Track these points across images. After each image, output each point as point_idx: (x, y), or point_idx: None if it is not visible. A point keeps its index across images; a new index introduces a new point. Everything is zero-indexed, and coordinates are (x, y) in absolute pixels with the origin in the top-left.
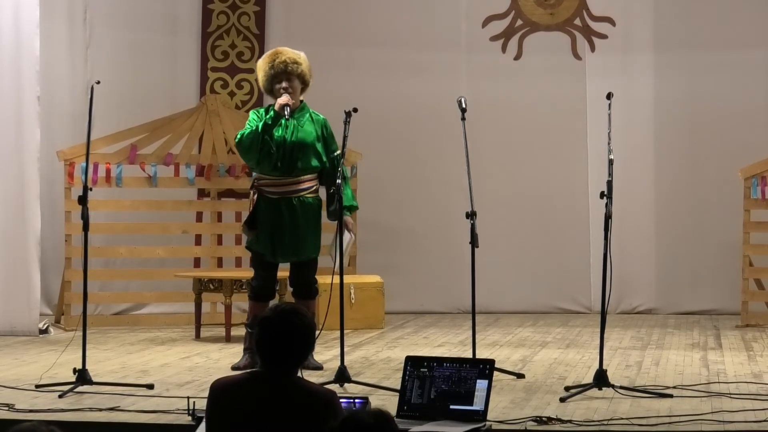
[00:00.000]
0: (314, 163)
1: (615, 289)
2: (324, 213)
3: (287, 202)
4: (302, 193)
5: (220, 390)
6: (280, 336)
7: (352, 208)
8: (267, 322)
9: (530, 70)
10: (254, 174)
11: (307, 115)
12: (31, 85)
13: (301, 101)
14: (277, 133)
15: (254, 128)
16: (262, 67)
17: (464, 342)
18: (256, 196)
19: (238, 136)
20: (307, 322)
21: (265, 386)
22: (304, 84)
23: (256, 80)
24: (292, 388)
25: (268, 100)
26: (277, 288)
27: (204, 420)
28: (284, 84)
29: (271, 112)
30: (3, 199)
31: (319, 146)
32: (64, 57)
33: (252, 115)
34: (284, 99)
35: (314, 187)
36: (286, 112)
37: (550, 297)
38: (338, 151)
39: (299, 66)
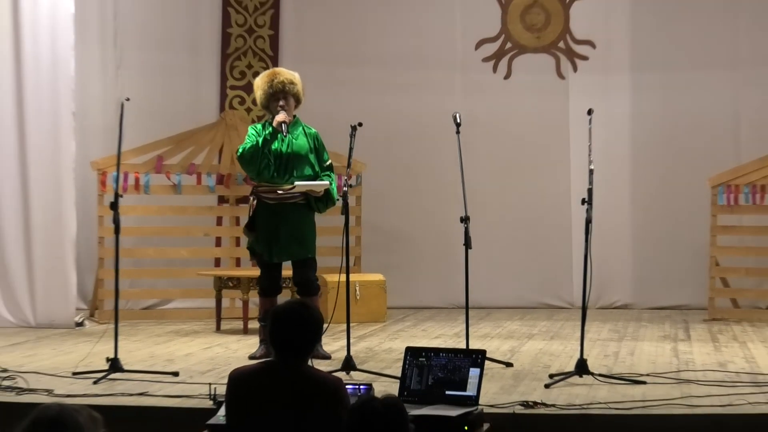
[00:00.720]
0: (308, 171)
1: (595, 286)
2: (324, 217)
3: (284, 207)
4: (297, 200)
5: (236, 379)
6: (291, 326)
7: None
8: (279, 314)
9: (519, 89)
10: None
11: (300, 128)
12: (67, 102)
13: (295, 116)
14: (274, 146)
15: (255, 143)
16: (260, 85)
17: (459, 334)
18: (255, 201)
19: (240, 150)
20: (315, 313)
21: (278, 374)
22: (298, 102)
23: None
24: (303, 376)
25: None
26: (288, 285)
27: (224, 405)
28: (281, 102)
29: (270, 128)
30: (42, 205)
31: (312, 157)
32: (97, 76)
33: (251, 130)
34: (282, 117)
35: (307, 195)
36: (284, 129)
37: (536, 294)
38: (329, 161)
39: (295, 86)
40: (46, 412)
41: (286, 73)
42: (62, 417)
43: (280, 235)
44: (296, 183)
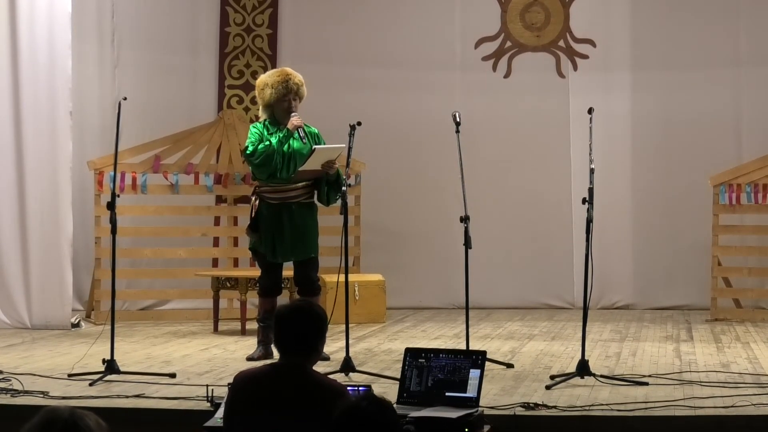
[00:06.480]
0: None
1: (596, 286)
2: (322, 217)
3: (287, 207)
4: (300, 199)
5: (240, 380)
6: (295, 328)
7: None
8: (282, 316)
9: (518, 88)
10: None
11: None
12: (64, 101)
13: None
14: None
15: (268, 145)
16: (271, 84)
17: (459, 335)
18: (257, 201)
19: (250, 149)
20: (319, 314)
21: (283, 377)
22: (301, 101)
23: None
24: (307, 380)
25: None
26: (287, 285)
27: (222, 406)
28: (293, 105)
29: (284, 131)
30: (38, 205)
31: None
32: (94, 75)
33: (253, 129)
34: (298, 121)
35: (311, 192)
36: (302, 134)
37: (537, 294)
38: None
39: (304, 88)
40: (58, 415)
41: (296, 75)
42: (75, 419)
43: (283, 235)
44: (315, 147)
